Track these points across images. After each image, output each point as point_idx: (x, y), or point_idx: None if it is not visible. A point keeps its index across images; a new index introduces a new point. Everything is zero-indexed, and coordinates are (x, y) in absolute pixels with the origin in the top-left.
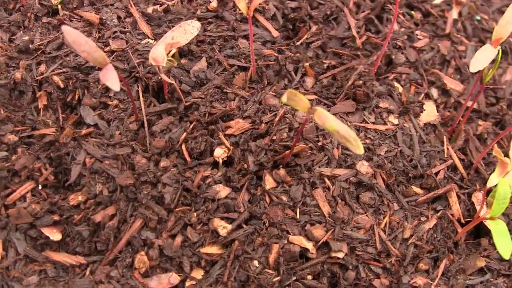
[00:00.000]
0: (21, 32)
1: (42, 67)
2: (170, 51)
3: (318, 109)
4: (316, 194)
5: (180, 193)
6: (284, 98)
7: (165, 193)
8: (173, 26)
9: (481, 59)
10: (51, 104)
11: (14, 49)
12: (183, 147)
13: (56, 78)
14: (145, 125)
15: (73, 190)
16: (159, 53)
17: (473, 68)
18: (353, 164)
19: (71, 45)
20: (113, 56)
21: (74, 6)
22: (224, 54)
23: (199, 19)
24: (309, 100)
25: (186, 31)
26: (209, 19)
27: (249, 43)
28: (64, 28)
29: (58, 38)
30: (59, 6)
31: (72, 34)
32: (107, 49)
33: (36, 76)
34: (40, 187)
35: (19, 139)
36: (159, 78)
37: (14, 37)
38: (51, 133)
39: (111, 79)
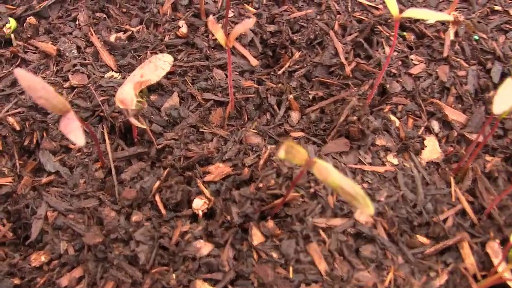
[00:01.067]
0: None
1: None
2: (140, 91)
3: (318, 162)
4: (311, 249)
5: (156, 252)
6: (281, 154)
7: (139, 252)
8: (139, 56)
9: (506, 97)
10: (7, 149)
11: None
12: (157, 197)
13: (11, 120)
14: (113, 172)
15: (35, 248)
16: (127, 94)
17: (498, 109)
18: (350, 212)
19: (26, 91)
20: (74, 93)
21: (29, 35)
22: (198, 87)
23: (167, 47)
24: (296, 138)
25: (157, 67)
26: (179, 47)
27: (225, 74)
28: (17, 71)
29: (12, 73)
30: (12, 36)
31: (26, 78)
32: (66, 84)
33: None
34: None
35: None
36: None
37: None
38: (7, 183)
39: (73, 131)
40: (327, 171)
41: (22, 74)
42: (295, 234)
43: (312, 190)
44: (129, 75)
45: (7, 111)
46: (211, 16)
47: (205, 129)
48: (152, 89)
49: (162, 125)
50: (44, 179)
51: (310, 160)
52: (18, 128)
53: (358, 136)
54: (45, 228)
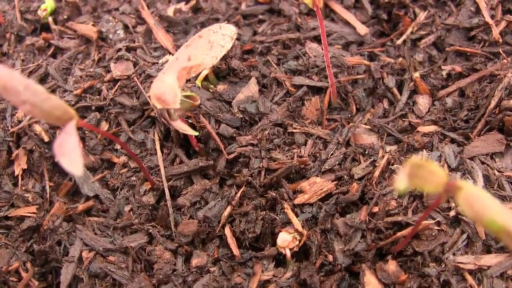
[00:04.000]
0: None
1: (20, 112)
2: (187, 79)
3: (465, 189)
4: None
5: None
6: (402, 182)
7: None
8: None
9: None
10: (34, 168)
11: None
12: (227, 230)
13: (38, 128)
14: (167, 195)
15: None
16: (167, 87)
17: None
18: None
19: (1, 93)
20: (117, 87)
21: (65, 17)
22: (286, 69)
23: (244, 17)
24: (428, 133)
25: (212, 44)
26: (260, 16)
27: (321, 48)
28: None
29: (42, 67)
30: (50, 19)
31: (2, 76)
32: (108, 77)
33: (11, 127)
34: None
35: None
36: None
37: None
38: (31, 214)
39: (68, 153)
40: (481, 203)
41: None
42: (429, 280)
43: (452, 213)
44: None
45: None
46: None
47: (295, 127)
48: (219, 75)
49: (235, 125)
50: (80, 206)
51: (452, 185)
52: (46, 139)
53: None
54: (79, 274)
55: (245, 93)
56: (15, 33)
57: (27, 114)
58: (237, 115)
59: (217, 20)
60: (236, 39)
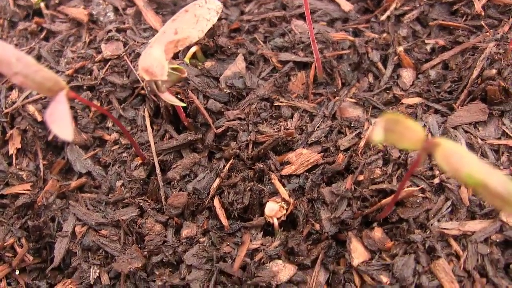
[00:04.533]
0: None
1: (13, 94)
2: (176, 52)
3: (443, 145)
4: (438, 268)
5: (216, 280)
6: (378, 134)
7: (191, 280)
8: None
9: None
10: (28, 147)
11: None
12: (217, 202)
13: (31, 108)
14: (157, 169)
15: (63, 274)
16: (155, 60)
17: None
18: (494, 211)
19: None
20: (107, 67)
21: (57, 1)
22: (272, 46)
23: None
24: (412, 105)
25: (198, 18)
26: None
27: (307, 25)
28: None
29: (34, 49)
30: (42, 5)
31: None
32: (98, 57)
33: (5, 108)
34: (17, 272)
35: None
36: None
37: None
38: (25, 191)
39: (59, 120)
40: (459, 159)
41: None
42: (414, 246)
43: (436, 180)
44: None
45: (27, 97)
46: None
47: (282, 102)
48: (208, 52)
49: (223, 100)
50: (73, 183)
51: (429, 142)
52: (40, 118)
53: (500, 97)
54: (72, 249)
55: (232, 69)
56: (8, 19)
57: (20, 85)
58: (225, 90)
59: None
60: (224, 18)
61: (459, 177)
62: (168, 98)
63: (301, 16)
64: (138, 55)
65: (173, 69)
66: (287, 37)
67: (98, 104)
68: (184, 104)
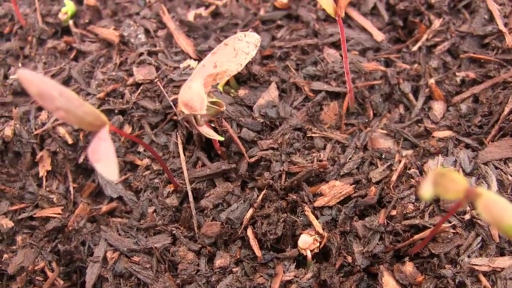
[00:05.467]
0: (19, 64)
1: (43, 115)
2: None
3: (484, 195)
4: None
5: None
6: (427, 189)
7: None
8: (226, 36)
9: None
10: (58, 169)
11: (8, 91)
12: (250, 232)
13: (62, 131)
14: (190, 198)
15: None
16: (194, 93)
17: None
18: None
19: (37, 100)
20: (139, 91)
21: (87, 21)
22: (304, 74)
23: (263, 22)
24: (443, 138)
25: (237, 52)
26: (278, 21)
27: (340, 54)
28: (21, 73)
29: (64, 70)
30: (71, 23)
31: (35, 82)
32: (130, 81)
33: (35, 129)
34: None
35: (16, 223)
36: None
37: (9, 73)
38: (56, 215)
39: (104, 158)
40: (501, 210)
41: (28, 77)
42: (445, 281)
43: (467, 216)
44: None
45: (57, 119)
46: None
47: (315, 132)
48: (240, 80)
49: (256, 129)
50: (104, 207)
51: (471, 191)
52: (70, 141)
53: None
54: (103, 274)
55: (265, 98)
56: (37, 36)
57: (61, 119)
58: (258, 119)
59: (236, 25)
60: None
61: (500, 228)
62: (206, 131)
63: (333, 45)
64: (171, 80)
65: (212, 102)
66: (319, 65)
67: (130, 129)
68: (222, 138)
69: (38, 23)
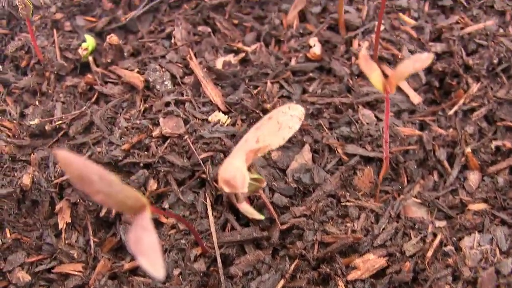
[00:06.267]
0: (36, 103)
1: None
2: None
3: None
4: None
5: None
6: None
7: None
8: (255, 87)
9: None
10: (78, 221)
11: (25, 132)
12: None
13: None
14: (219, 264)
15: None
16: (236, 171)
17: None
18: None
19: (74, 182)
20: (166, 144)
21: (109, 60)
22: (338, 135)
23: (294, 73)
24: (478, 212)
25: (281, 125)
26: (310, 74)
27: (376, 115)
28: (59, 154)
29: (86, 115)
30: (90, 59)
31: (73, 164)
32: (156, 132)
33: (55, 177)
34: None
35: (33, 276)
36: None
37: (26, 111)
38: (76, 272)
39: (147, 252)
40: None
41: (66, 158)
42: None
43: None
44: (240, 119)
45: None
46: (363, 50)
47: (349, 200)
48: None
49: (289, 194)
50: (127, 265)
51: None
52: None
53: None
54: None
55: (299, 160)
56: (55, 72)
57: (100, 203)
58: (291, 184)
59: (266, 75)
60: (287, 96)
61: None
62: (246, 209)
63: (369, 105)
64: (201, 137)
65: (253, 179)
66: (353, 127)
67: (156, 184)
68: (262, 217)
69: (56, 58)
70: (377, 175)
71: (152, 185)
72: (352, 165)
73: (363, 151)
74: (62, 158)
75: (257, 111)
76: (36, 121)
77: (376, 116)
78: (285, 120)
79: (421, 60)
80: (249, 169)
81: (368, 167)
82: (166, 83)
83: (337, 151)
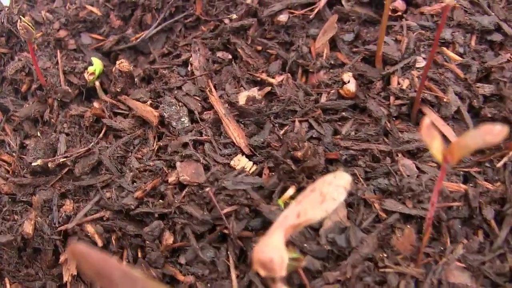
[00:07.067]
0: (38, 133)
1: (68, 205)
2: None
3: None
4: None
5: None
6: None
7: None
8: (281, 126)
9: None
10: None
11: (26, 168)
12: None
13: (90, 229)
14: None
15: None
16: (275, 254)
17: None
18: None
19: (92, 278)
20: (184, 193)
21: (118, 89)
22: (375, 187)
23: (324, 111)
24: None
25: (325, 197)
26: (343, 113)
27: (417, 166)
28: (75, 249)
29: (93, 153)
30: (97, 84)
31: (92, 260)
32: (172, 177)
33: (59, 223)
34: None
35: None
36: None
37: (26, 142)
38: None
39: None
40: None
41: (82, 254)
42: None
43: None
44: (268, 167)
45: (85, 215)
46: (426, 119)
47: (388, 265)
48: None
49: (321, 257)
50: None
51: None
52: (100, 243)
53: None
54: None
55: (332, 218)
56: (58, 98)
57: None
58: (325, 246)
59: (294, 112)
60: (316, 138)
61: None
62: None
63: (410, 154)
64: (224, 188)
65: (292, 260)
66: (392, 179)
67: (172, 238)
68: None
69: (60, 83)
70: (418, 236)
71: (168, 238)
72: (390, 223)
73: (403, 207)
74: (78, 253)
75: (287, 162)
76: (39, 161)
77: (417, 167)
78: (329, 192)
79: (493, 134)
80: (286, 245)
81: (408, 226)
82: (183, 119)
83: (374, 207)
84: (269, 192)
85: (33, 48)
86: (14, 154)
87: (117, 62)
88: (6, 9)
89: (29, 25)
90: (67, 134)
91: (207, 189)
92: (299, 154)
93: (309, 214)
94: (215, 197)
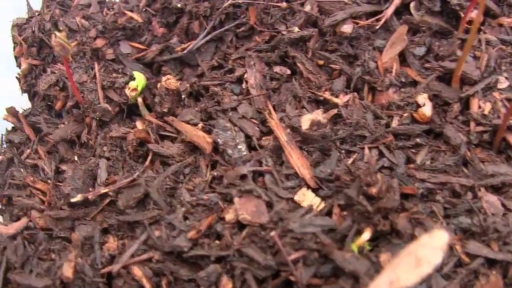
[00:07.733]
0: (75, 158)
1: (112, 242)
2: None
3: None
4: None
5: None
6: None
7: None
8: (348, 154)
9: None
10: None
11: (63, 199)
12: None
13: (138, 272)
14: None
15: None
16: None
17: None
18: None
19: None
20: (244, 234)
21: (165, 109)
22: (456, 226)
23: (396, 136)
24: None
25: (420, 261)
26: (417, 139)
27: (503, 204)
28: None
29: (139, 185)
30: (140, 101)
31: None
32: (230, 216)
33: (102, 264)
34: None
35: None
36: None
37: (62, 168)
38: None
39: None
40: None
41: None
42: None
43: None
44: (338, 205)
45: (132, 256)
46: None
47: None
48: (379, 234)
49: None
50: None
51: None
52: (149, 287)
53: None
54: None
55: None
56: (97, 118)
57: None
58: None
59: (362, 137)
60: (389, 167)
61: None
62: None
63: (494, 189)
64: (290, 231)
65: None
66: (475, 217)
67: (231, 284)
68: None
69: (98, 100)
70: (504, 283)
71: (226, 284)
72: (474, 268)
73: (489, 252)
74: None
75: (362, 202)
76: (79, 197)
77: (503, 204)
78: (425, 254)
79: None
80: None
81: (494, 272)
82: (239, 146)
83: (456, 249)
84: (341, 236)
85: (68, 59)
86: (49, 181)
87: (163, 79)
88: (37, 14)
89: (65, 42)
90: (108, 159)
91: (272, 232)
92: (373, 191)
93: (402, 281)
94: (280, 239)
